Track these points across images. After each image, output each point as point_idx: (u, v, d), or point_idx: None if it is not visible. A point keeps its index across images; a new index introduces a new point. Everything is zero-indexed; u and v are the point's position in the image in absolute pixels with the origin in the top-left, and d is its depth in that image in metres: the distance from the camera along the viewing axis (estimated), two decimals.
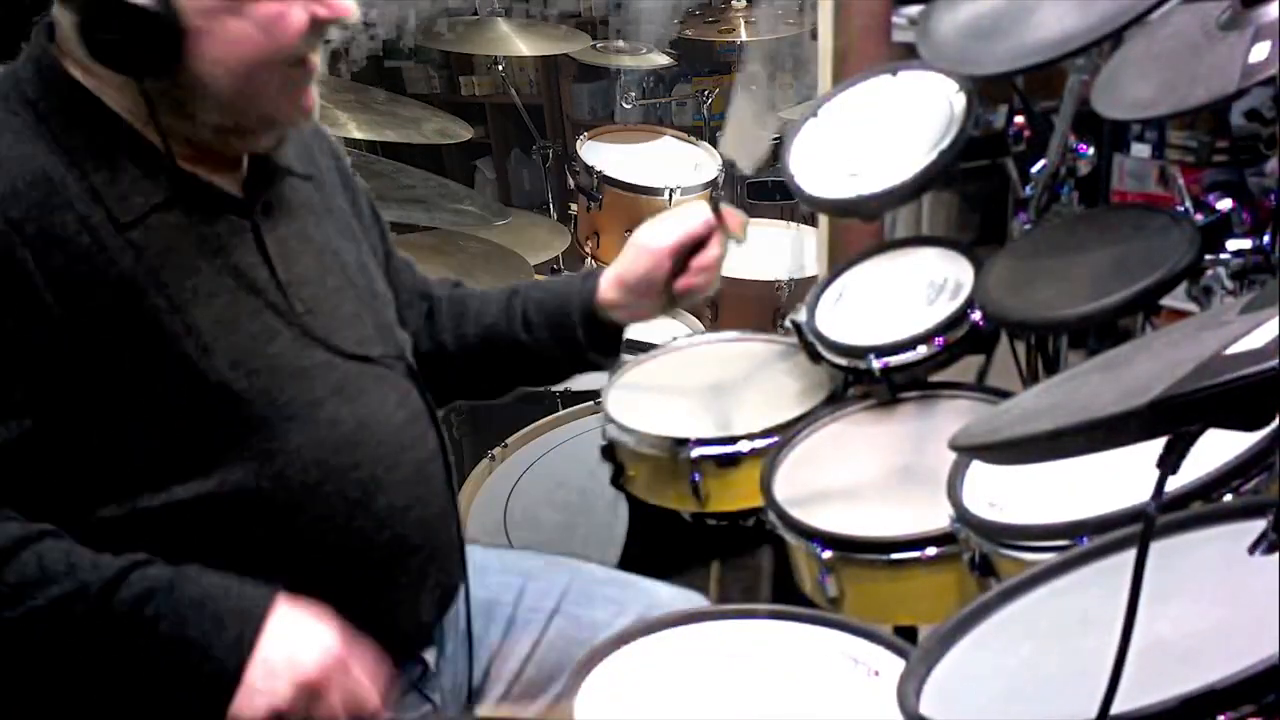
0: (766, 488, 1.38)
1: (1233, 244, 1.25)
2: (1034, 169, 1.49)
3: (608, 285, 1.29)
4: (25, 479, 0.92)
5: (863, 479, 1.39)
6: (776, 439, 1.48)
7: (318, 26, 0.96)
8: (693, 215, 1.28)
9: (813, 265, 2.38)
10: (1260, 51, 1.08)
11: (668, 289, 1.28)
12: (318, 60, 0.99)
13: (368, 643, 0.96)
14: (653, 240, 1.27)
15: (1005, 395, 1.42)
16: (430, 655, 1.16)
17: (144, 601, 0.89)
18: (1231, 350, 0.56)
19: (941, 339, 1.42)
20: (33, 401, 0.91)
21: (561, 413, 2.12)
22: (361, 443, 1.04)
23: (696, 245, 1.28)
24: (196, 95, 0.94)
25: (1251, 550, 0.66)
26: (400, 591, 1.09)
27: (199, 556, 0.96)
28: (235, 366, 0.97)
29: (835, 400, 1.55)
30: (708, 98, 3.79)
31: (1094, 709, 0.60)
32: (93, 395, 0.93)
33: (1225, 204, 1.30)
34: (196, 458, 0.96)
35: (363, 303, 1.11)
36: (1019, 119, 1.50)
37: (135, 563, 0.91)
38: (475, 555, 1.26)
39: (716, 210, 1.29)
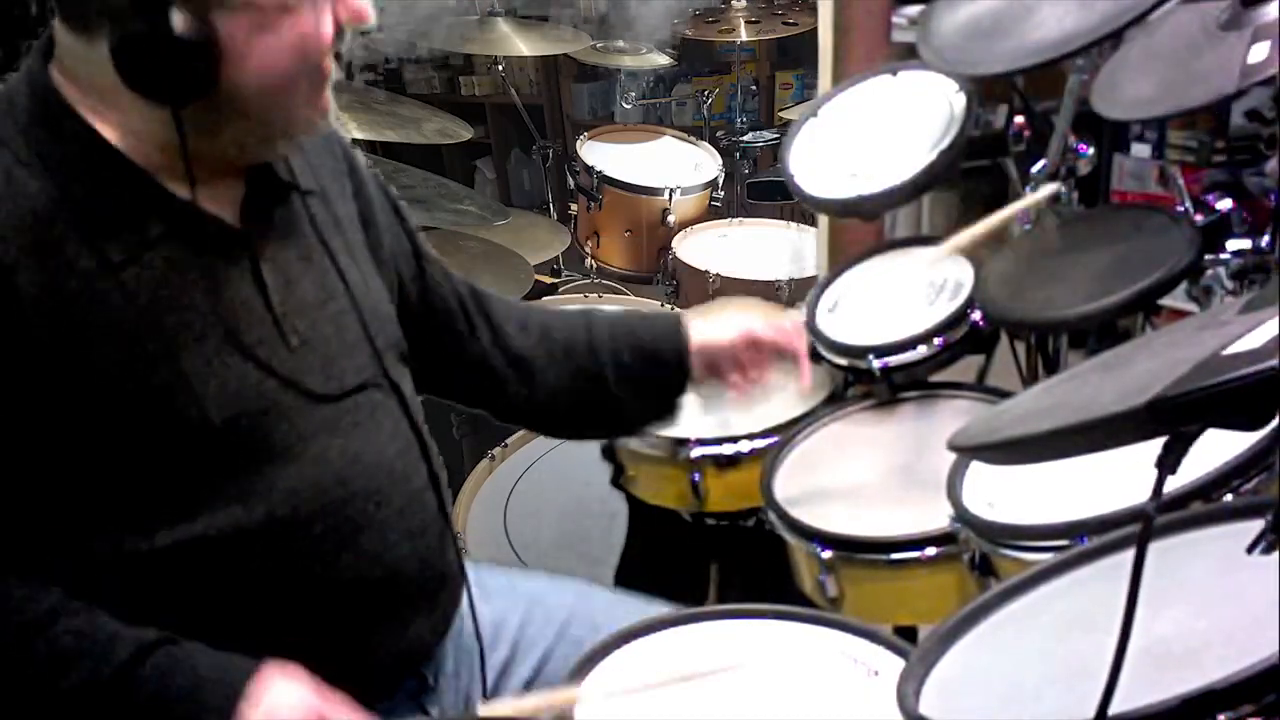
0: (766, 488, 1.38)
1: (1233, 244, 1.26)
2: (1034, 169, 1.49)
3: (693, 338, 1.29)
4: (15, 517, 0.92)
5: (863, 479, 1.39)
6: (776, 439, 1.48)
7: (339, 31, 0.95)
8: (797, 333, 1.31)
9: (813, 265, 2.38)
10: (1260, 51, 1.08)
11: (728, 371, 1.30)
12: (332, 64, 0.97)
13: (350, 673, 0.98)
14: (758, 329, 1.29)
15: (1005, 395, 1.42)
16: (429, 671, 1.15)
17: (149, 684, 0.92)
18: (1231, 350, 0.56)
19: (941, 339, 1.42)
20: (21, 442, 0.90)
21: None
22: (352, 479, 1.02)
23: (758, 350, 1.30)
24: (229, 114, 0.92)
25: (1250, 550, 0.66)
26: (396, 621, 1.08)
27: (189, 597, 0.97)
28: (225, 409, 0.95)
29: (835, 400, 1.55)
30: (708, 98, 3.79)
31: (1093, 709, 0.60)
32: (79, 436, 0.91)
33: (1225, 204, 1.30)
34: (184, 500, 0.95)
35: (364, 325, 1.08)
36: (1019, 119, 1.50)
37: (140, 651, 0.93)
38: (481, 575, 1.25)
39: (814, 356, 1.36)
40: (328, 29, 0.93)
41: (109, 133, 0.93)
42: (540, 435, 2.08)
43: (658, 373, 1.29)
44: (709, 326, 1.30)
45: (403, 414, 1.10)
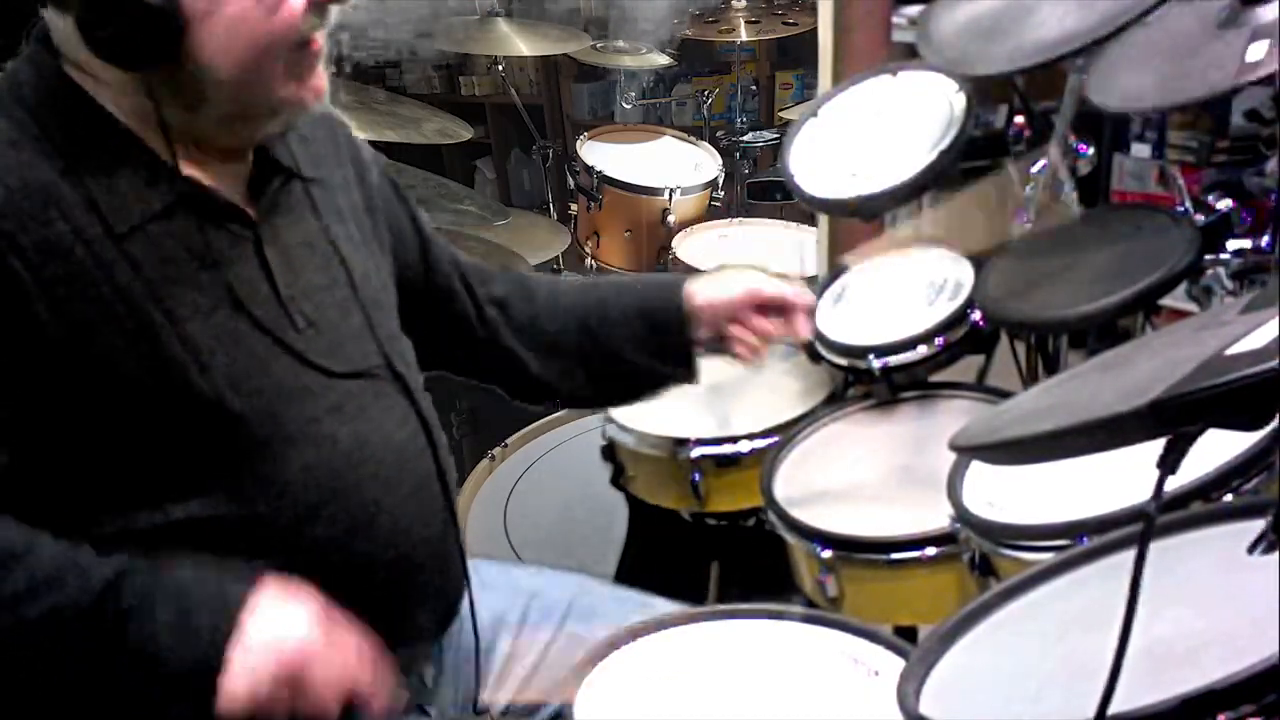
0: (766, 488, 1.38)
1: (1233, 244, 1.26)
2: (1034, 169, 1.49)
3: (697, 297, 1.29)
4: (20, 494, 0.92)
5: (863, 479, 1.39)
6: (776, 439, 1.48)
7: (319, 7, 0.95)
8: (801, 293, 1.30)
9: (813, 265, 2.38)
10: (1257, 50, 1.08)
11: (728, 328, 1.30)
12: (322, 41, 0.98)
13: (357, 625, 0.95)
14: (761, 287, 1.29)
15: (1005, 395, 1.42)
16: (428, 672, 1.15)
17: (132, 609, 0.89)
18: (1231, 350, 0.56)
19: (941, 339, 1.42)
20: (27, 417, 0.90)
21: (561, 413, 2.12)
22: (362, 463, 1.02)
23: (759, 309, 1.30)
24: (202, 85, 0.93)
25: (1251, 550, 0.66)
26: (401, 609, 1.08)
27: None
28: (234, 386, 0.95)
29: (835, 400, 1.55)
30: (708, 98, 3.79)
31: (1093, 709, 0.60)
32: (87, 411, 0.91)
33: (1225, 204, 1.30)
34: (193, 477, 0.95)
35: (367, 314, 1.09)
36: (1019, 119, 1.50)
37: (123, 570, 0.90)
38: (480, 570, 1.26)
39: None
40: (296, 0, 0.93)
41: (113, 109, 0.94)
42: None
43: (664, 335, 1.29)
44: (712, 286, 1.30)
45: (408, 402, 1.10)
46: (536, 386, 1.33)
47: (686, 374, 1.32)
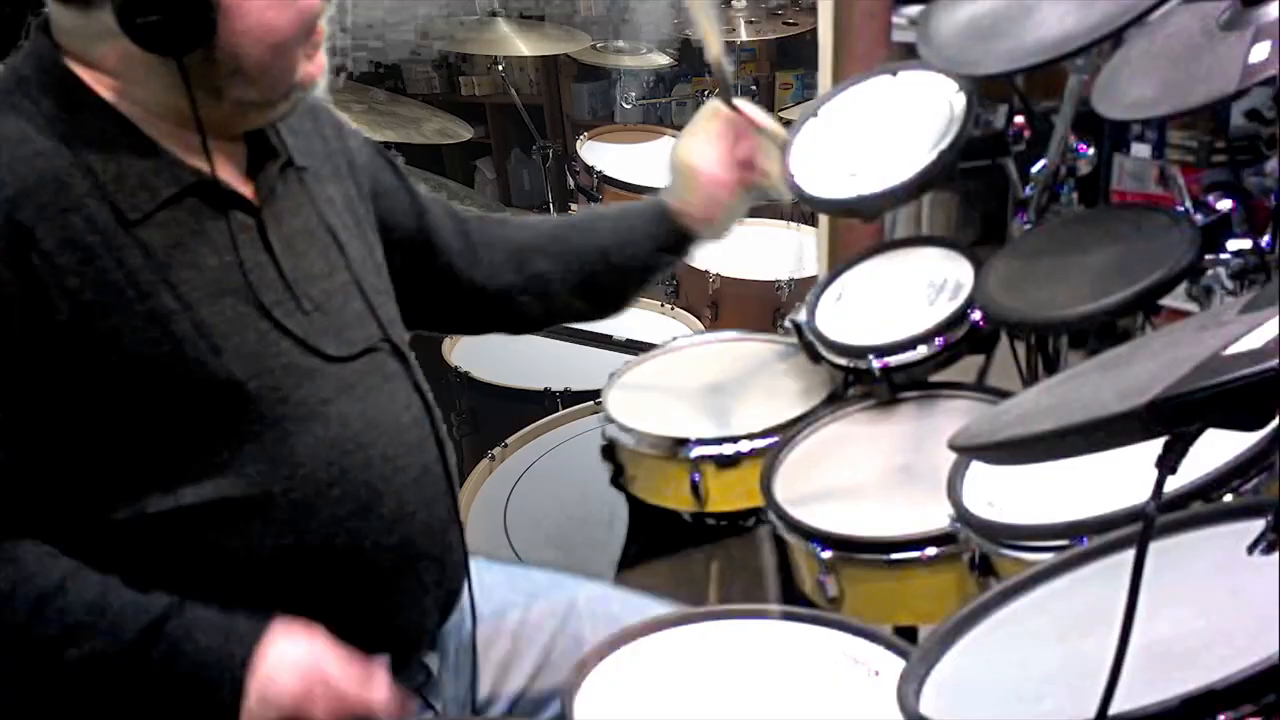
0: (766, 488, 1.38)
1: (1233, 244, 1.25)
2: (1034, 169, 1.49)
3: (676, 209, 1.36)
4: (34, 483, 0.93)
5: (863, 479, 1.39)
6: (776, 439, 1.48)
7: None
8: (720, 124, 1.37)
9: (813, 265, 2.38)
10: (1261, 51, 1.08)
11: (733, 190, 1.38)
12: (325, 28, 1.01)
13: (359, 650, 0.98)
14: (704, 165, 1.35)
15: (1005, 395, 1.42)
16: (433, 661, 1.16)
17: (156, 661, 0.94)
18: (1231, 350, 0.56)
19: (941, 339, 1.42)
20: (42, 404, 0.91)
21: (561, 413, 2.12)
22: (371, 443, 1.04)
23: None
24: (229, 70, 0.95)
25: (1251, 550, 0.66)
26: (404, 596, 1.09)
27: (208, 559, 0.97)
28: (246, 367, 0.97)
29: (835, 400, 1.55)
30: (708, 98, 3.79)
31: (1093, 709, 0.60)
32: (101, 396, 0.93)
33: (1225, 204, 1.30)
34: (206, 459, 0.97)
35: (367, 297, 1.11)
36: (1019, 119, 1.50)
37: (155, 620, 0.94)
38: (481, 570, 1.27)
39: (731, 106, 1.38)
40: None
41: (116, 102, 0.96)
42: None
43: (652, 223, 1.37)
44: (678, 192, 1.38)
45: (412, 384, 1.12)
46: (538, 322, 1.40)
47: (677, 253, 1.40)
